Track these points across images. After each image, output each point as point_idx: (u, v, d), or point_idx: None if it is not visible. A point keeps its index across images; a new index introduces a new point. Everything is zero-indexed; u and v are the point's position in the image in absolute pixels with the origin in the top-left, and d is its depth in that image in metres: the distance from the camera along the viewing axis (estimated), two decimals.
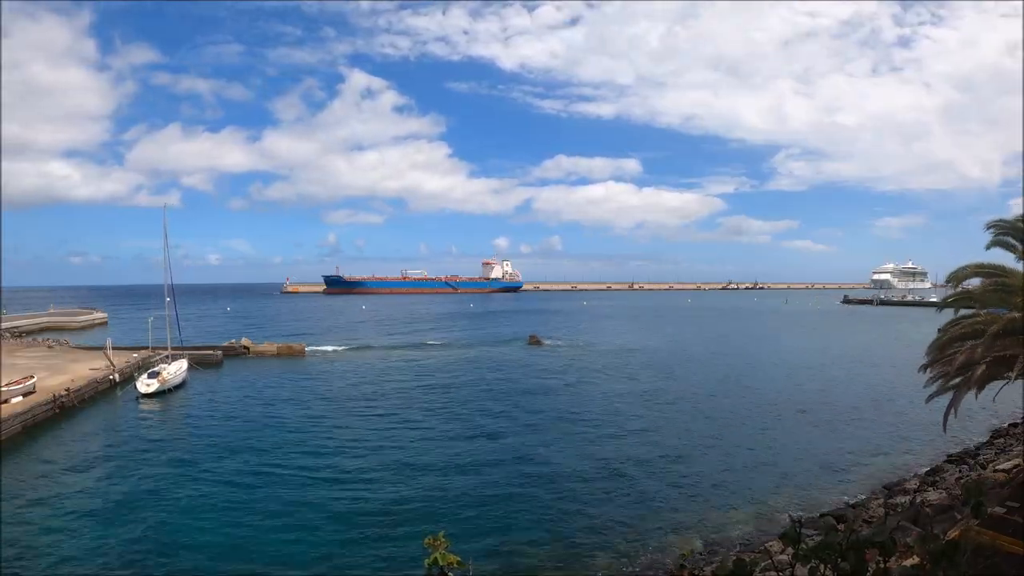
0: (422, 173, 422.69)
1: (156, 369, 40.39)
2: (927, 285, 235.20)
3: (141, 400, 37.12)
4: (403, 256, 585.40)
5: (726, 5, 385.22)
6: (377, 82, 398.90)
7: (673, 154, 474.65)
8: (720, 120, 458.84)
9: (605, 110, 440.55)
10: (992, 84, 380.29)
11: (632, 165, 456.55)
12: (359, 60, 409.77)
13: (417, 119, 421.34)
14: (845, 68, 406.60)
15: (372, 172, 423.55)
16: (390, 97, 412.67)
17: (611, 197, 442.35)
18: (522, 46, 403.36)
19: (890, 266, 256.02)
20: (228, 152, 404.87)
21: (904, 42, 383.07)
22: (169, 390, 39.41)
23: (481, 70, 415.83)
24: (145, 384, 38.17)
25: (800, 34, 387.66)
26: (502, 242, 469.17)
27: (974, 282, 17.98)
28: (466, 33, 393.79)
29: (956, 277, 17.99)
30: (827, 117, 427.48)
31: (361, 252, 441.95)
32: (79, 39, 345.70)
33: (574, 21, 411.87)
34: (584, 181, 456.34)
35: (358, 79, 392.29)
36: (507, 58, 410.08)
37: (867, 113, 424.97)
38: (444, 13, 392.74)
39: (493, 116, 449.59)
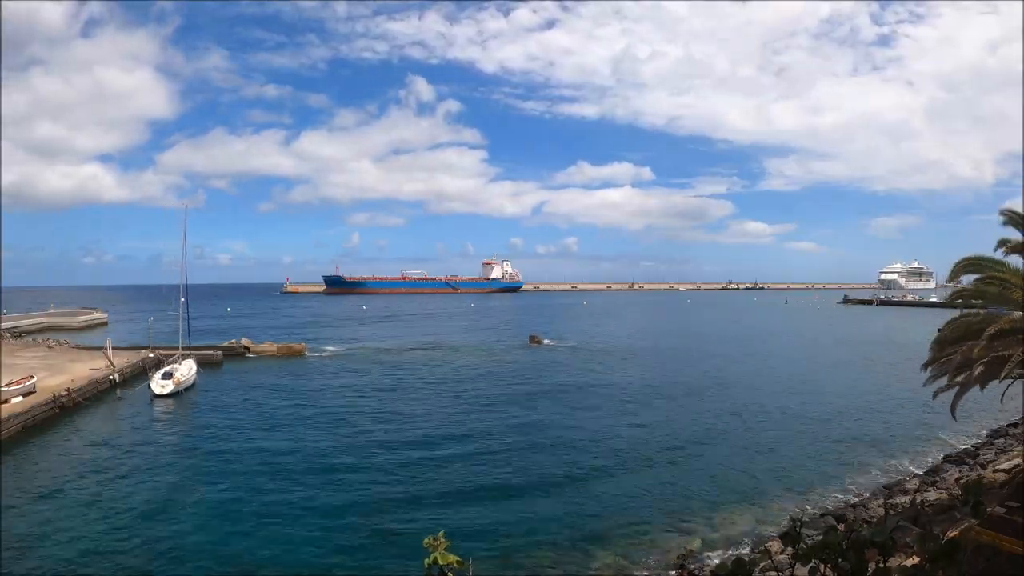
0: (446, 176, 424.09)
1: (169, 370, 40.19)
2: (932, 285, 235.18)
3: (155, 401, 37.01)
4: (419, 257, 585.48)
5: (705, 6, 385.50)
6: (432, 90, 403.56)
7: (661, 155, 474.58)
8: (704, 120, 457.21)
9: (588, 111, 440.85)
10: (976, 82, 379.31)
11: (645, 172, 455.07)
12: (339, 64, 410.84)
13: (469, 129, 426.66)
14: (827, 68, 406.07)
15: (398, 175, 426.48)
16: (449, 106, 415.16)
17: (624, 200, 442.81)
18: (503, 48, 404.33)
19: (897, 266, 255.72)
20: (260, 155, 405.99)
21: (884, 41, 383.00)
22: (182, 391, 39.25)
23: (461, 73, 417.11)
24: (160, 385, 37.99)
25: (782, 33, 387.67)
26: (518, 242, 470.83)
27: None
28: (443, 37, 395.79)
29: (955, 273, 17.91)
30: (813, 117, 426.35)
31: (382, 253, 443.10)
32: (163, 45, 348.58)
33: (550, 24, 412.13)
34: (606, 185, 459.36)
35: (421, 88, 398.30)
36: (488, 61, 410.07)
37: (852, 113, 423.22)
38: (420, 18, 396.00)
39: (525, 125, 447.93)
